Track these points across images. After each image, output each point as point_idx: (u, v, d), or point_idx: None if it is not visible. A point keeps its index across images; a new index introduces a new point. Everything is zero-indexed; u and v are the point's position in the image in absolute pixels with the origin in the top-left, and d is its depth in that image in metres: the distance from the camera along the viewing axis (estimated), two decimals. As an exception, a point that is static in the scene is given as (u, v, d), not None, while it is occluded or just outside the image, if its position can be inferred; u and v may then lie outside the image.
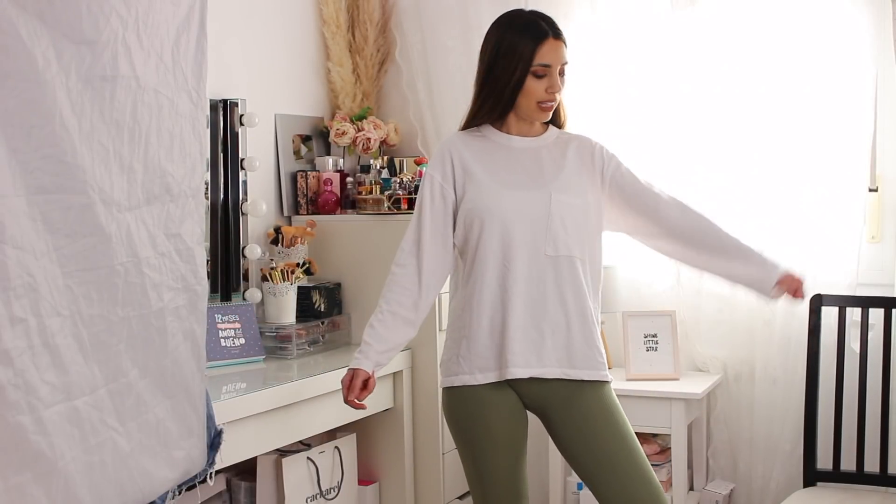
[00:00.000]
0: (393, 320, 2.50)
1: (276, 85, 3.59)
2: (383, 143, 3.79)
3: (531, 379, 2.46)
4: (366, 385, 2.50)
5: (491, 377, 2.47)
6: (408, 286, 2.50)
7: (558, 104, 2.55)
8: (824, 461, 3.09)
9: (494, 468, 2.48)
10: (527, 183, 2.48)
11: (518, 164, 2.50)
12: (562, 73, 2.47)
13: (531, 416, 2.56)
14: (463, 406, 2.50)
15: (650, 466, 2.45)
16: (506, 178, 2.48)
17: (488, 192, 2.46)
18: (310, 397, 2.92)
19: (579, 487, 3.42)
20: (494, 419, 2.47)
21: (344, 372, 3.05)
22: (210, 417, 2.42)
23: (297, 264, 3.35)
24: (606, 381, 2.50)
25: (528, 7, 3.44)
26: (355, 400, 2.50)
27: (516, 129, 2.54)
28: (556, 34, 2.45)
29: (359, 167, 3.76)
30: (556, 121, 2.59)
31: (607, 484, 2.42)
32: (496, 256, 2.44)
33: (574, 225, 2.46)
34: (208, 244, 3.16)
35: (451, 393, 2.52)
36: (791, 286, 2.53)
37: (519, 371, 2.44)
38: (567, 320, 2.46)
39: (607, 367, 2.52)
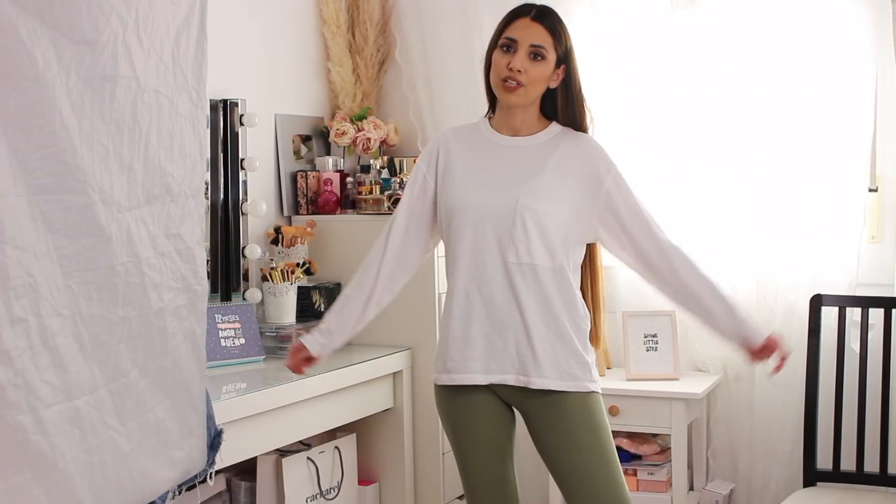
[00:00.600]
0: (353, 306, 2.51)
1: (276, 85, 3.59)
2: (383, 143, 3.79)
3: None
4: (309, 360, 2.51)
5: (445, 380, 2.45)
6: (372, 272, 2.50)
7: (579, 110, 2.47)
8: (824, 461, 3.09)
9: (478, 467, 2.46)
10: (498, 184, 2.41)
11: (497, 162, 2.45)
12: (538, 56, 2.38)
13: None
14: (447, 403, 2.49)
15: (621, 473, 2.42)
16: (482, 177, 2.43)
17: (462, 190, 2.43)
18: (310, 397, 2.92)
19: (579, 487, 3.42)
20: (475, 418, 2.45)
21: (345, 371, 3.08)
22: (210, 417, 2.41)
23: (297, 264, 3.35)
24: (584, 392, 2.41)
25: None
26: (297, 368, 2.52)
27: (506, 126, 2.47)
28: (537, 16, 2.40)
29: (359, 167, 3.76)
30: (575, 122, 2.49)
31: (577, 490, 2.40)
32: (464, 257, 2.41)
33: (540, 232, 2.37)
34: (208, 244, 3.16)
35: (437, 389, 2.52)
36: (774, 352, 2.43)
37: (476, 377, 2.42)
38: (527, 329, 2.38)
39: (589, 376, 2.43)
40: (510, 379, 2.41)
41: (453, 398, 2.47)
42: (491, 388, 2.45)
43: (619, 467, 2.43)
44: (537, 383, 2.39)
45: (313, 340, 2.50)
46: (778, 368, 2.47)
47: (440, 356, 2.48)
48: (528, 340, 2.39)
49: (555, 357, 2.39)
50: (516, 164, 2.44)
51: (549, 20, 2.42)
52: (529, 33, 2.39)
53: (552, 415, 2.41)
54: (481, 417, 2.45)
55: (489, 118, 2.53)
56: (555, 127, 2.49)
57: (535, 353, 2.38)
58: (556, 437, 2.42)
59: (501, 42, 2.41)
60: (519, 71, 2.37)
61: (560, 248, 2.40)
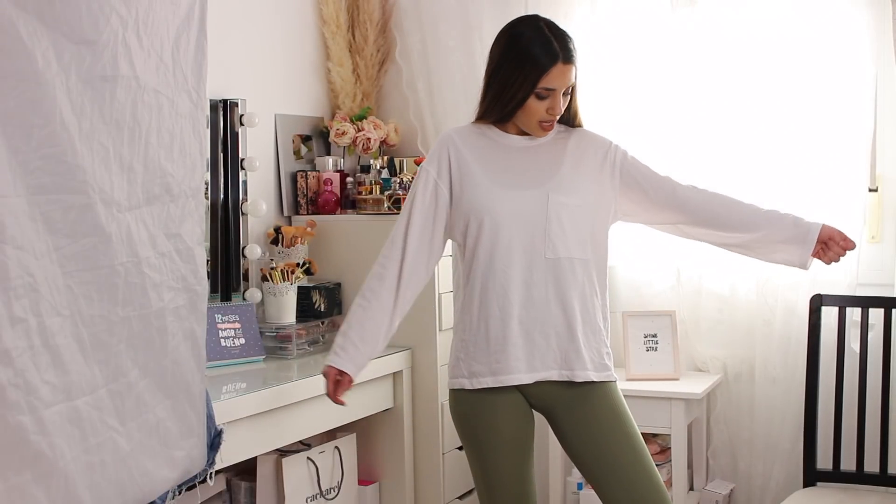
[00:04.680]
0: (378, 318, 2.47)
1: (276, 85, 3.59)
2: (383, 143, 3.79)
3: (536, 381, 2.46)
4: (349, 384, 2.50)
5: (490, 382, 2.45)
6: (390, 282, 2.47)
7: (574, 111, 2.52)
8: (824, 461, 3.09)
9: (500, 468, 2.46)
10: (524, 183, 2.44)
11: (516, 163, 2.47)
12: (567, 93, 2.43)
13: (536, 416, 2.56)
14: (469, 407, 2.49)
15: (655, 467, 2.44)
16: (503, 178, 2.44)
17: (487, 192, 2.43)
18: (310, 397, 2.91)
19: (579, 487, 3.42)
20: (500, 420, 2.46)
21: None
22: (210, 417, 2.41)
23: (297, 264, 3.35)
24: (612, 381, 2.50)
25: (529, 7, 3.46)
26: (340, 399, 2.50)
27: (517, 129, 2.50)
28: (567, 58, 2.37)
29: (359, 167, 3.76)
30: (569, 120, 2.54)
31: (611, 485, 2.42)
32: (494, 259, 2.42)
33: (573, 226, 2.43)
34: (208, 244, 3.16)
35: (456, 394, 2.51)
36: (834, 241, 2.47)
37: (521, 377, 2.44)
38: (569, 323, 2.43)
39: (612, 364, 2.51)
40: (553, 375, 2.45)
41: (479, 400, 2.47)
42: (519, 388, 2.46)
43: (651, 459, 2.46)
44: (581, 376, 2.44)
45: (342, 359, 2.46)
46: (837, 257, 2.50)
47: (473, 359, 2.46)
48: (569, 335, 2.44)
49: (590, 349, 2.46)
50: (535, 163, 2.47)
51: (574, 55, 2.40)
52: (565, 79, 2.39)
53: (584, 406, 2.45)
54: (508, 418, 2.46)
55: (496, 123, 2.51)
56: (555, 125, 2.52)
57: (578, 347, 2.44)
58: (588, 434, 2.45)
59: (542, 93, 2.38)
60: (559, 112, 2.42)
61: (589, 240, 2.47)
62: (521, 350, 2.43)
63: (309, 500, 3.12)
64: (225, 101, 3.26)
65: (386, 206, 3.47)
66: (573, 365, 2.44)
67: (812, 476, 3.08)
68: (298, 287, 3.36)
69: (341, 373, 2.47)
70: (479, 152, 2.48)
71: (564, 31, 2.42)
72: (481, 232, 2.43)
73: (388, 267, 2.48)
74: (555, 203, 2.41)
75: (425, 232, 2.49)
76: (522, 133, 2.50)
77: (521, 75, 2.38)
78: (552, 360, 2.44)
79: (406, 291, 2.49)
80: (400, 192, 3.46)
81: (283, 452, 3.06)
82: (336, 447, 3.23)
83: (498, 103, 2.44)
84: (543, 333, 2.43)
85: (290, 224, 3.58)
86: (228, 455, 2.53)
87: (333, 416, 3.08)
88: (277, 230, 3.40)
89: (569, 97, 2.45)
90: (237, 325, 3.15)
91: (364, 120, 3.73)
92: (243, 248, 3.32)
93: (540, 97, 2.39)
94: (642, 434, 2.67)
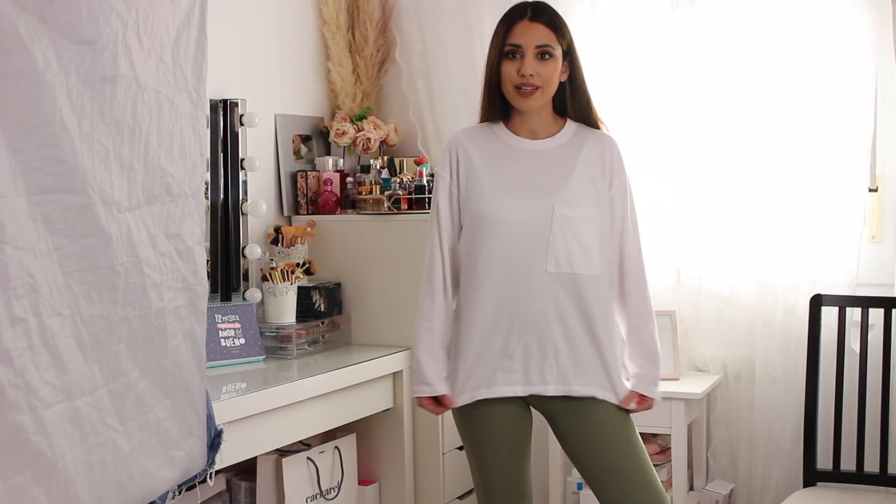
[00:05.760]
0: (440, 338, 2.48)
1: (276, 85, 3.59)
2: (383, 143, 3.79)
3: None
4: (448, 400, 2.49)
5: (485, 394, 2.42)
6: (440, 296, 2.47)
7: (586, 100, 2.48)
8: (824, 461, 3.09)
9: (497, 468, 2.46)
10: (530, 192, 2.39)
11: (524, 169, 2.42)
12: (546, 56, 2.37)
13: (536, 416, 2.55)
14: (466, 407, 2.47)
15: (654, 470, 2.43)
16: (509, 184, 2.40)
17: (490, 199, 2.39)
18: (310, 397, 2.92)
19: (579, 487, 3.42)
20: (497, 422, 2.44)
21: (344, 371, 3.08)
22: (210, 417, 2.41)
23: (297, 264, 3.35)
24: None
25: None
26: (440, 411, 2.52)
27: (525, 129, 2.46)
28: (535, 16, 2.38)
29: (359, 167, 3.76)
30: (587, 118, 2.50)
31: (610, 487, 2.40)
32: (494, 269, 2.38)
33: (577, 240, 2.37)
34: (208, 244, 3.16)
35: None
36: (632, 401, 2.46)
37: (516, 389, 2.41)
38: (569, 339, 2.38)
39: (621, 380, 2.45)
40: (550, 390, 2.41)
41: (477, 404, 2.45)
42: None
43: (651, 464, 2.44)
44: (580, 391, 2.40)
45: (438, 386, 2.45)
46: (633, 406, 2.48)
47: (470, 370, 2.43)
48: (569, 350, 2.39)
49: (595, 365, 2.41)
50: (545, 170, 2.42)
51: (547, 16, 2.40)
52: (532, 35, 2.37)
53: (584, 415, 2.42)
54: (505, 420, 2.45)
55: (506, 122, 2.49)
56: (571, 125, 2.49)
57: (578, 362, 2.39)
58: (588, 436, 2.42)
59: (507, 50, 2.38)
60: (532, 75, 2.36)
61: (596, 254, 2.40)
62: (517, 363, 2.40)
63: (309, 500, 3.12)
64: (225, 101, 3.26)
65: (386, 206, 3.47)
66: (570, 380, 2.40)
67: (812, 476, 3.08)
68: (298, 287, 3.36)
69: (435, 399, 2.48)
70: (488, 153, 2.45)
71: (543, 3, 2.42)
72: (483, 240, 2.39)
73: (435, 283, 2.47)
74: (559, 216, 2.36)
75: (454, 237, 2.48)
76: (533, 135, 2.47)
77: (493, 41, 2.42)
78: (549, 375, 2.40)
79: (453, 293, 2.50)
80: (400, 192, 3.46)
81: (283, 452, 3.05)
82: (336, 447, 3.23)
83: (487, 87, 2.44)
84: (541, 348, 2.39)
85: (290, 224, 3.58)
86: (228, 455, 2.53)
87: (333, 416, 3.08)
88: (277, 230, 3.41)
89: (551, 65, 2.37)
90: (237, 325, 3.15)
91: (364, 120, 3.73)
92: (243, 248, 3.32)
93: (510, 57, 2.37)
94: (642, 434, 2.70)
